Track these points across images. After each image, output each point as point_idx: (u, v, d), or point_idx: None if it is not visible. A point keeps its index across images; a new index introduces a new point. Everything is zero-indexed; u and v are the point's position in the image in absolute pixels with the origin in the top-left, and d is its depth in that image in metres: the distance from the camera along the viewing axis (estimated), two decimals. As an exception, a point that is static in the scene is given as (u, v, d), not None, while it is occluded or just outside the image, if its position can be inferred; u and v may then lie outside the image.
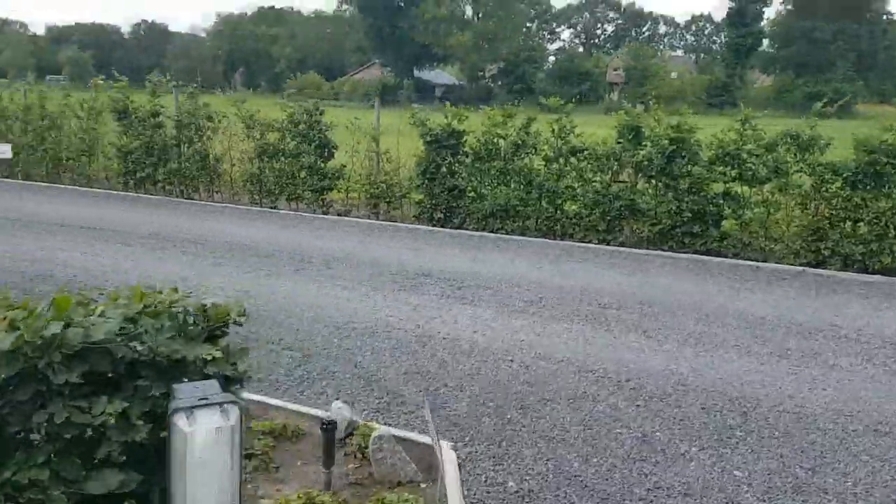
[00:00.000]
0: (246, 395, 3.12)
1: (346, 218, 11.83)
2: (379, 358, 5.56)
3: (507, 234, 10.73)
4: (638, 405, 4.85)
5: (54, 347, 2.46)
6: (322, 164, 12.24)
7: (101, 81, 14.52)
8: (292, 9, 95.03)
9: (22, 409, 2.50)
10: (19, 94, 14.79)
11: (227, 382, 2.77)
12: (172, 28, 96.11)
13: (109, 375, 2.61)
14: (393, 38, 70.04)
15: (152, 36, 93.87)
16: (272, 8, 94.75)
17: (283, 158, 12.49)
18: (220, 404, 2.49)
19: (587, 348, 5.89)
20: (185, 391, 2.53)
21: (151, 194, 13.34)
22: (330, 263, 8.41)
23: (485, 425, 4.52)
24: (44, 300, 2.61)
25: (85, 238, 9.08)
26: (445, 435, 4.31)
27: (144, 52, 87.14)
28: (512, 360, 5.60)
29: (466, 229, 11.07)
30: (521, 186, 10.81)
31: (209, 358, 2.72)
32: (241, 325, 2.94)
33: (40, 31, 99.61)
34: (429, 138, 11.36)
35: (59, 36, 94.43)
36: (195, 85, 13.55)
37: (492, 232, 10.84)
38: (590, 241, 10.23)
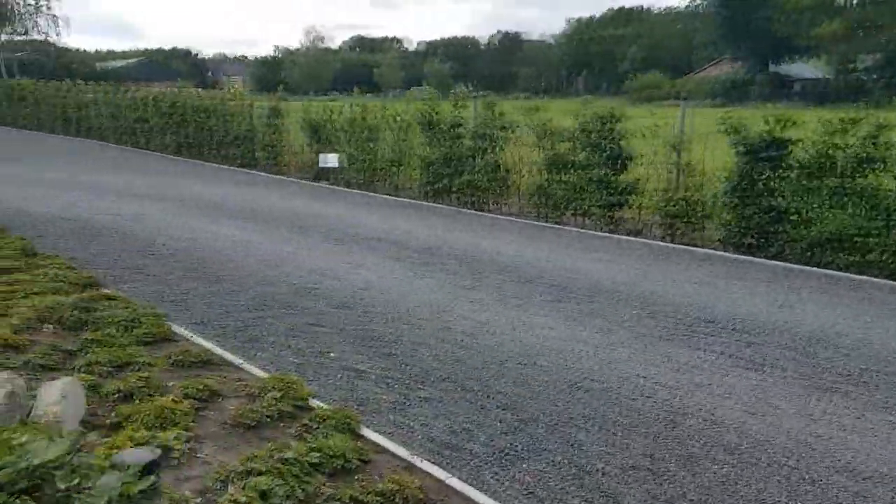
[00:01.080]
0: None
1: (635, 239, 10.42)
2: (610, 438, 4.29)
3: (839, 269, 8.35)
4: None
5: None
6: (613, 177, 11.00)
7: (419, 91, 15.12)
8: (643, 8, 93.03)
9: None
10: (348, 106, 16.18)
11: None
12: (528, 37, 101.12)
13: None
14: (748, 30, 64.43)
15: (507, 45, 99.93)
16: (622, 9, 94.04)
17: (572, 170, 11.55)
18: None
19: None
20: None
21: (447, 205, 13.46)
22: (595, 296, 7.21)
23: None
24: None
25: (361, 249, 9.20)
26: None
27: (498, 61, 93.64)
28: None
29: (785, 260, 8.90)
30: (863, 210, 8.31)
31: None
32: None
33: (413, 48, 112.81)
34: (742, 148, 9.41)
35: (427, 51, 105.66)
36: (538, 93, 13.28)
37: (818, 266, 8.54)
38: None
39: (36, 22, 38.74)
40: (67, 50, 74.25)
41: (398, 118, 14.83)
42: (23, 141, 25.11)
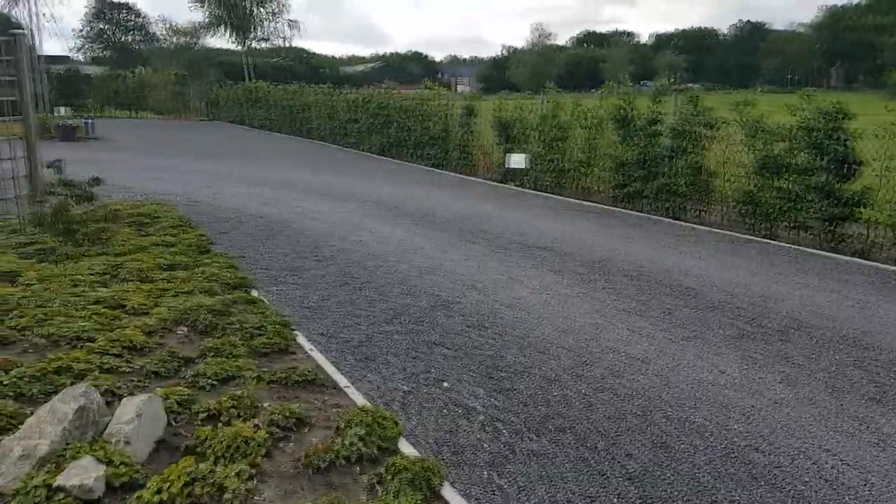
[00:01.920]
0: None
1: (861, 261, 8.56)
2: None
3: None
4: None
5: None
6: (838, 185, 9.16)
7: (614, 88, 14.02)
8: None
9: None
10: (541, 102, 15.47)
11: None
12: (772, 27, 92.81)
13: None
14: None
15: (749, 36, 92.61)
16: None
17: (787, 175, 9.83)
18: None
19: None
20: None
21: (638, 211, 12.24)
22: (789, 334, 5.86)
23: None
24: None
25: (523, 259, 8.49)
26: None
27: (739, 52, 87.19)
28: None
29: None
30: None
31: None
32: None
33: (644, 40, 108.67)
34: None
35: (660, 43, 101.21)
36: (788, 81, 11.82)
37: None
38: None
39: (275, 27, 43.35)
40: (316, 55, 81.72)
41: (590, 115, 13.86)
42: (252, 139, 27.70)
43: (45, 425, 3.54)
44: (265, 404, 4.29)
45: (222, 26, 49.54)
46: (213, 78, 44.15)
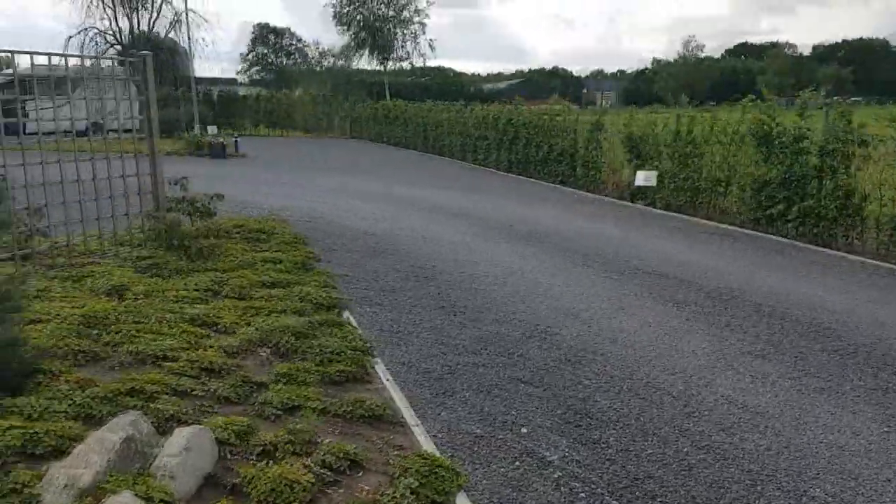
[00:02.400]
0: None
1: None
2: None
3: None
4: None
5: None
6: None
7: (751, 102, 12.85)
8: None
9: None
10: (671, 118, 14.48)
11: None
12: None
13: None
14: None
15: None
16: None
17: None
18: None
19: None
20: None
21: (780, 235, 11.03)
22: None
23: None
24: None
25: (636, 285, 7.75)
26: None
27: None
28: None
29: None
30: None
31: None
32: None
33: (807, 52, 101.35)
34: None
35: (823, 54, 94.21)
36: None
37: None
38: None
39: (415, 47, 44.50)
40: (458, 73, 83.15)
41: (729, 130, 12.76)
42: (384, 156, 28.29)
43: (91, 454, 3.45)
44: (325, 440, 4.03)
45: (366, 48, 51.63)
46: (356, 97, 45.90)
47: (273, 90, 56.76)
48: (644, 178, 13.99)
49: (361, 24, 51.50)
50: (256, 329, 5.71)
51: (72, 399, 4.18)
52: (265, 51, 72.00)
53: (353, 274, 8.09)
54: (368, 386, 4.88)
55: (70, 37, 29.90)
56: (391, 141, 33.51)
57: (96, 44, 28.92)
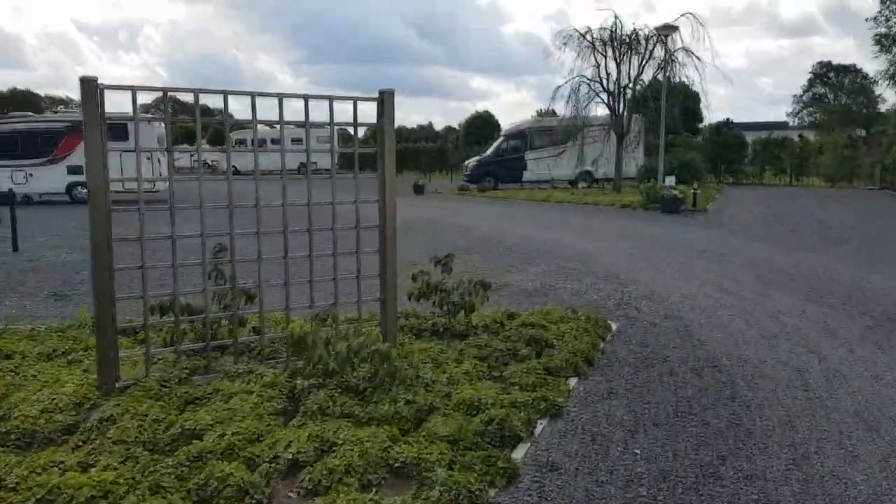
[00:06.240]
0: None
1: None
2: None
3: None
4: None
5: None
6: None
7: None
8: None
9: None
10: None
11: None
12: None
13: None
14: None
15: None
16: None
17: None
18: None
19: None
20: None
21: None
22: None
23: None
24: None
25: None
26: None
27: None
28: None
29: None
30: None
31: None
32: None
33: None
34: None
35: None
36: None
37: None
38: None
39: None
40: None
41: None
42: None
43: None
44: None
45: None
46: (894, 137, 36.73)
47: (817, 133, 49.32)
48: None
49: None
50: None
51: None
52: (822, 90, 64.18)
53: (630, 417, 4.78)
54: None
55: (558, 86, 30.10)
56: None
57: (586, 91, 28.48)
